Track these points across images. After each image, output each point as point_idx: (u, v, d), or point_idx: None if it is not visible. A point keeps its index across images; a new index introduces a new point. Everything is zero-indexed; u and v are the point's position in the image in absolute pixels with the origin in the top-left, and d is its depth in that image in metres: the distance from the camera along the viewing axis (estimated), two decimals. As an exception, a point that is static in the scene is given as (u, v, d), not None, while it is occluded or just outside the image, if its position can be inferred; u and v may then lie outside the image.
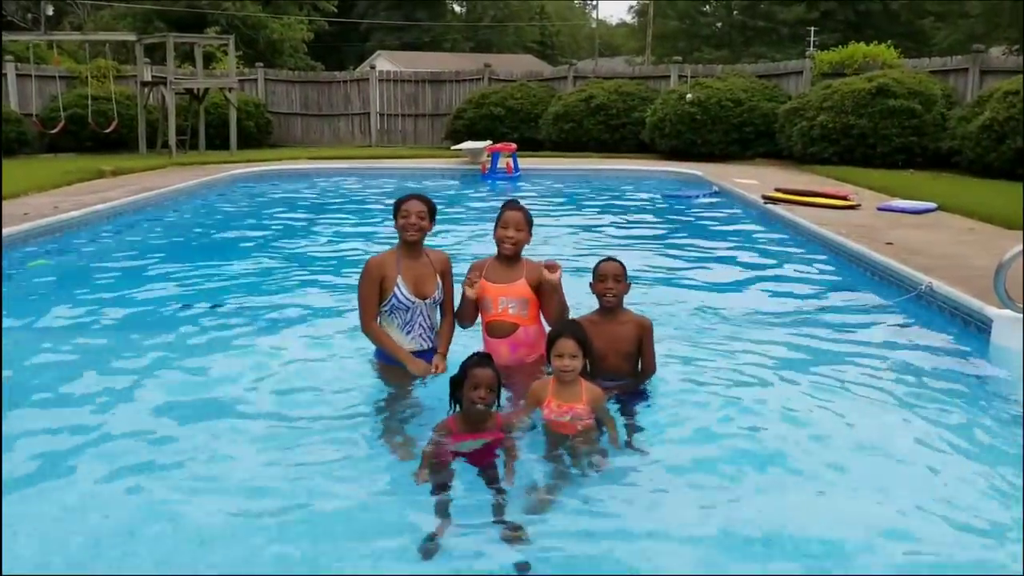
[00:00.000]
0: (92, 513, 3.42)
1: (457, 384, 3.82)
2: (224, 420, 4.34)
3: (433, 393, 4.40)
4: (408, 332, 4.72)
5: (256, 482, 3.67)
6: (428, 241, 4.81)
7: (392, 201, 4.78)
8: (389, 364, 4.72)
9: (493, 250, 4.73)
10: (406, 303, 4.65)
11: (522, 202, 4.74)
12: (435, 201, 4.77)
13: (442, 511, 3.35)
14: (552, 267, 4.49)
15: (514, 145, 17.36)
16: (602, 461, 3.78)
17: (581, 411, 3.92)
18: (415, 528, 3.25)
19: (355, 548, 3.17)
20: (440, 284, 4.75)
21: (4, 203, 10.16)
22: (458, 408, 3.86)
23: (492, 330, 4.68)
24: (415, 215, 4.65)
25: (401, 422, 4.30)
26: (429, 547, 3.13)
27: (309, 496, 3.55)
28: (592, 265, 4.62)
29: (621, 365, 4.49)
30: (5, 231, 8.45)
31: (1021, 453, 3.91)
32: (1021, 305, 5.36)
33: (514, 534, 3.20)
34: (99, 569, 3.05)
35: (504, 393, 4.01)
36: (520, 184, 15.81)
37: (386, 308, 4.68)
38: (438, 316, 4.86)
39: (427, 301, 4.71)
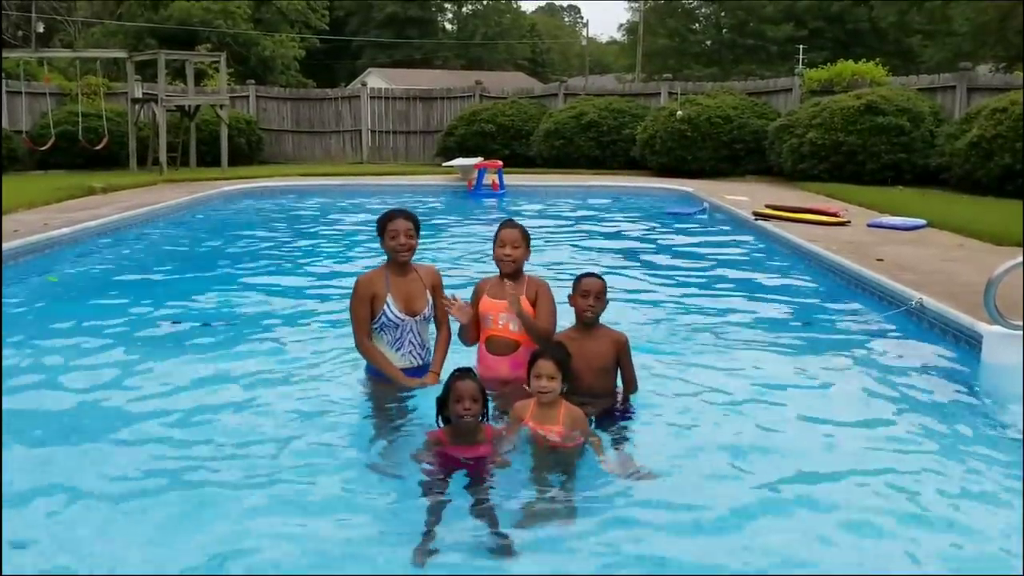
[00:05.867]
0: (88, 521, 3.41)
1: (443, 403, 3.82)
2: (214, 435, 4.30)
3: (424, 409, 4.37)
4: (398, 349, 4.69)
5: (247, 495, 3.65)
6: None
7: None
8: (381, 379, 4.69)
9: (484, 263, 4.72)
10: (396, 321, 4.62)
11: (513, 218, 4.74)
12: (421, 217, 4.75)
13: (426, 539, 3.28)
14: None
15: (500, 162, 17.41)
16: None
17: (558, 433, 3.87)
18: (404, 541, 3.23)
19: (344, 563, 3.14)
20: (430, 300, 4.72)
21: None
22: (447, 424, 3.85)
23: (492, 345, 4.64)
24: (403, 234, 4.60)
25: (390, 437, 4.27)
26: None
27: (299, 509, 3.54)
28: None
29: (595, 383, 4.39)
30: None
31: (1021, 460, 3.92)
32: (1016, 321, 5.37)
33: (503, 542, 3.21)
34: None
35: (492, 405, 4.00)
36: (506, 200, 15.85)
37: (376, 326, 4.64)
38: (429, 332, 4.83)
39: (417, 318, 4.68)
